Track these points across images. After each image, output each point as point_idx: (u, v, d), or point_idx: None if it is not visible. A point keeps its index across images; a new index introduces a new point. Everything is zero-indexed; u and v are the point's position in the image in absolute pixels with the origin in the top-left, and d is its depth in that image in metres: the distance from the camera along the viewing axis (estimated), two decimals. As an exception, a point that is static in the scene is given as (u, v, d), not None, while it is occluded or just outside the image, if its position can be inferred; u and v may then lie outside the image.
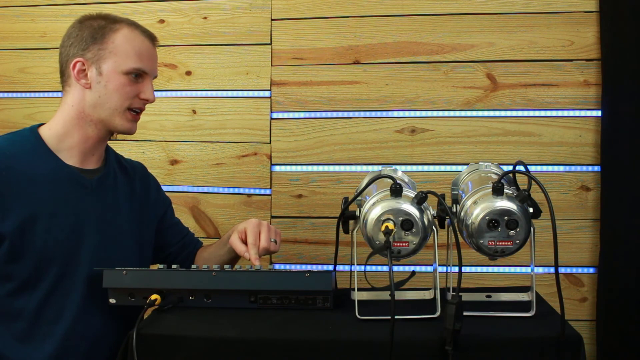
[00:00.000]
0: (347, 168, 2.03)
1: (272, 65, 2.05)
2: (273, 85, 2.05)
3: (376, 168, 1.59)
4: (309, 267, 2.03)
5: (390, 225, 1.22)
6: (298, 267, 2.03)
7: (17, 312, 1.35)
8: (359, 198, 1.38)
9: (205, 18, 2.08)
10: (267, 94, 2.06)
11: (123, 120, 1.43)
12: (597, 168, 1.95)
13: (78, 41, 1.41)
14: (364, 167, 2.01)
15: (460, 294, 1.16)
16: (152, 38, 1.47)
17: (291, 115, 2.05)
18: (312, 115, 2.04)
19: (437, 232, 1.30)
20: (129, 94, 1.42)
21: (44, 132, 1.44)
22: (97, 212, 1.44)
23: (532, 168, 1.59)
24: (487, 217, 1.22)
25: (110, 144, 1.57)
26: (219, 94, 2.08)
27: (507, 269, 1.97)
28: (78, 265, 1.39)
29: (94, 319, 1.40)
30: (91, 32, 1.41)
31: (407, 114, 2.02)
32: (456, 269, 1.21)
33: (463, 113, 2.00)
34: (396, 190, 1.25)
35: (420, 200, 1.24)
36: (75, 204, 1.41)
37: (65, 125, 1.43)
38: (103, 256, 1.42)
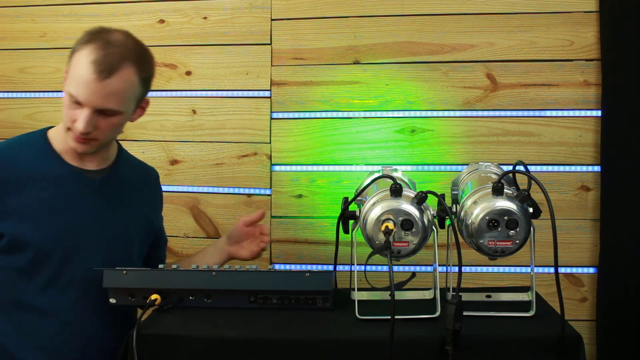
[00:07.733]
0: (347, 168, 2.03)
1: (272, 65, 2.05)
2: (273, 85, 2.05)
3: (376, 168, 1.59)
4: (309, 267, 2.03)
5: (390, 225, 1.22)
6: (298, 267, 2.03)
7: (16, 302, 1.38)
8: (359, 198, 1.38)
9: (205, 18, 2.08)
10: (267, 94, 2.05)
11: (68, 137, 1.41)
12: (597, 168, 1.95)
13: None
14: (364, 167, 2.01)
15: (460, 294, 1.16)
16: (101, 71, 1.32)
17: (291, 115, 2.05)
18: (312, 115, 2.04)
19: (437, 232, 1.30)
20: (68, 116, 1.38)
21: (51, 133, 1.48)
22: (99, 211, 1.45)
23: (532, 168, 1.59)
24: (487, 217, 1.22)
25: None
26: (219, 94, 2.08)
27: (507, 269, 1.97)
28: (75, 262, 1.40)
29: (90, 316, 1.41)
30: (73, 46, 1.40)
31: (407, 114, 2.01)
32: (456, 269, 1.21)
33: (463, 113, 1.99)
34: (396, 190, 1.25)
35: (420, 200, 1.24)
36: (76, 203, 1.43)
37: (63, 128, 1.44)
38: (102, 254, 1.43)
